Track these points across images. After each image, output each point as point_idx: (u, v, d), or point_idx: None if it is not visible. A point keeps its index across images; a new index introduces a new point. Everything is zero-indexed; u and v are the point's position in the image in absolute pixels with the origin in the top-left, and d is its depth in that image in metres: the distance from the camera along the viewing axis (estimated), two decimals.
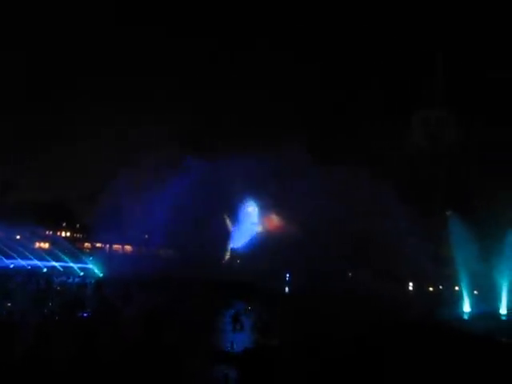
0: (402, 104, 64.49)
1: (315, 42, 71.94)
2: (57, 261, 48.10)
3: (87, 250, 55.19)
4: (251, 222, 59.00)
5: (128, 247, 58.96)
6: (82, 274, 45.79)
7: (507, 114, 56.70)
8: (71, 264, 48.30)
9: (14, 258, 46.96)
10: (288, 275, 48.24)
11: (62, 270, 46.51)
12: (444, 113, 62.86)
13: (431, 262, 42.13)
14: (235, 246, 57.53)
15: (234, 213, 57.60)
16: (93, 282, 38.23)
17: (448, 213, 49.99)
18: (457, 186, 51.09)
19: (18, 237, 52.68)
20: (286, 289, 45.23)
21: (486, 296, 36.74)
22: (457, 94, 60.69)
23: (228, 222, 58.04)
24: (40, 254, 49.35)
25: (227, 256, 54.88)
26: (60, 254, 48.92)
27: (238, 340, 12.02)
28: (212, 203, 51.84)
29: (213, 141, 55.05)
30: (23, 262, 46.76)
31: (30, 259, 47.61)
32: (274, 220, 58.30)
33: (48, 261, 48.01)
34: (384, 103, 62.45)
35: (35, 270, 44.16)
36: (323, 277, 40.69)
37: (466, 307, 35.89)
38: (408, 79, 65.86)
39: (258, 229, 58.82)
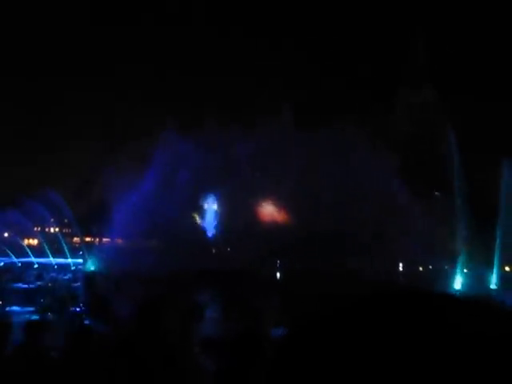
0: (384, 83, 64.65)
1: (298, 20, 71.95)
2: (47, 257, 48.10)
3: (77, 245, 55.03)
4: (236, 207, 58.77)
5: (118, 240, 58.86)
6: (73, 268, 45.81)
7: (493, 91, 57.04)
8: (62, 259, 48.31)
9: (3, 256, 46.86)
10: (279, 261, 48.42)
11: (52, 265, 46.48)
12: (428, 91, 63.06)
13: (422, 242, 42.39)
14: (223, 233, 57.55)
15: (218, 197, 57.41)
16: (84, 276, 38.23)
17: (436, 193, 50.34)
18: (443, 166, 51.36)
19: (6, 234, 52.51)
20: (278, 275, 45.47)
21: (478, 274, 37.19)
22: (441, 72, 60.91)
23: (214, 207, 57.92)
24: (30, 251, 49.29)
25: (217, 244, 54.83)
26: (50, 249, 48.90)
27: (231, 328, 12.15)
28: (197, 186, 51.45)
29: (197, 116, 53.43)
30: (14, 259, 46.68)
31: (20, 256, 47.54)
32: (265, 205, 58.23)
33: (38, 257, 47.98)
34: (366, 83, 62.53)
35: (26, 267, 44.08)
36: (314, 261, 40.87)
37: (457, 285, 36.33)
38: (389, 58, 65.93)
39: (247, 214, 58.70)
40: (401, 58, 65.21)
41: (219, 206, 58.30)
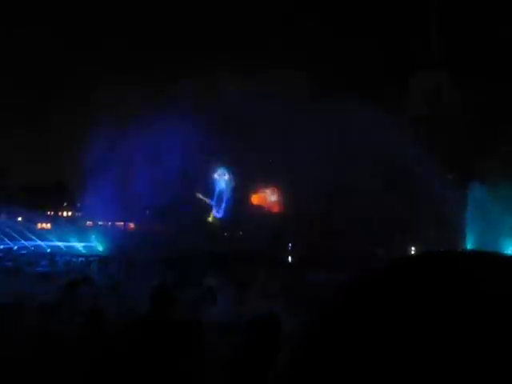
0: (397, 65, 63.98)
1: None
2: (60, 241, 48.39)
3: (89, 229, 55.32)
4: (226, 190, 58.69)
5: (130, 224, 59.18)
6: (85, 252, 46.09)
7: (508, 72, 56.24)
8: (74, 243, 48.60)
9: (17, 240, 47.18)
10: (290, 245, 48.47)
11: (65, 249, 46.78)
12: (442, 73, 62.32)
13: (433, 226, 42.18)
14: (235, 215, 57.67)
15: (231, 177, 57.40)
16: (97, 259, 38.41)
17: (450, 176, 49.93)
18: (457, 149, 50.91)
19: (19, 218, 52.88)
20: (289, 258, 45.52)
21: None
22: (455, 53, 60.17)
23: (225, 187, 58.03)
24: (43, 235, 49.60)
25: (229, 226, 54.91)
26: (62, 233, 49.19)
27: (244, 310, 12.13)
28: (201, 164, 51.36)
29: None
30: (26, 244, 46.99)
31: (33, 240, 47.85)
32: (271, 192, 58.21)
33: (51, 241, 48.29)
34: (378, 65, 61.91)
35: (39, 251, 44.38)
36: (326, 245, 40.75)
37: None
38: (402, 38, 65.17)
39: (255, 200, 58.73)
40: (415, 40, 64.46)
41: (231, 187, 58.43)
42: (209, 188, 58.00)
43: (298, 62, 54.71)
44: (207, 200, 58.13)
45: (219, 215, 58.10)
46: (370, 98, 46.65)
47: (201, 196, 57.46)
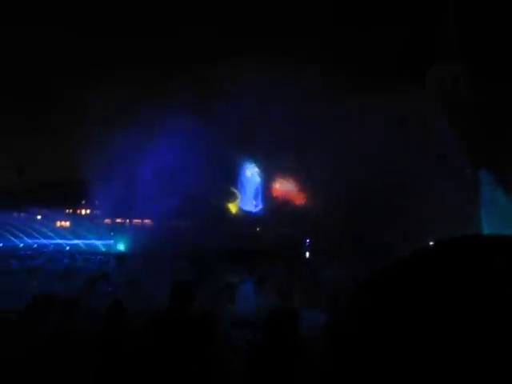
0: (414, 60, 63.52)
1: None
2: (79, 238, 48.79)
3: (108, 226, 55.67)
4: (258, 185, 58.77)
5: (148, 221, 59.39)
6: (104, 250, 46.43)
7: None
8: (93, 241, 48.96)
9: (36, 238, 47.66)
10: (308, 241, 48.35)
11: (84, 247, 47.18)
12: (459, 68, 61.81)
13: (453, 221, 41.87)
14: (250, 211, 57.77)
15: (237, 173, 57.41)
16: (115, 256, 38.69)
17: (468, 171, 49.53)
18: (475, 144, 50.49)
19: (39, 217, 53.39)
20: (307, 254, 45.42)
21: None
22: (472, 49, 59.63)
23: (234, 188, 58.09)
24: (62, 233, 50.04)
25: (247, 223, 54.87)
26: (81, 231, 49.58)
27: (262, 306, 12.19)
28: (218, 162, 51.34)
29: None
30: (46, 242, 47.43)
31: (53, 238, 48.28)
32: (288, 183, 58.07)
33: (70, 239, 48.70)
34: (395, 59, 61.54)
35: (58, 249, 44.79)
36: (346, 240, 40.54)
37: None
38: (420, 33, 64.74)
39: (271, 193, 58.70)
40: (432, 33, 63.98)
41: (259, 180, 58.59)
42: (236, 181, 58.15)
43: (314, 56, 54.51)
44: (236, 191, 58.34)
45: (247, 208, 58.32)
46: (385, 91, 46.42)
47: (232, 188, 57.65)
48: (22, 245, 45.94)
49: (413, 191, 43.70)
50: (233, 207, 58.51)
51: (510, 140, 49.69)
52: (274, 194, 58.50)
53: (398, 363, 1.10)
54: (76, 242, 48.33)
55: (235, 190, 58.58)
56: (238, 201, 59.04)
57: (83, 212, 68.45)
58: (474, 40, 61.44)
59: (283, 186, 58.55)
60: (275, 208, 54.68)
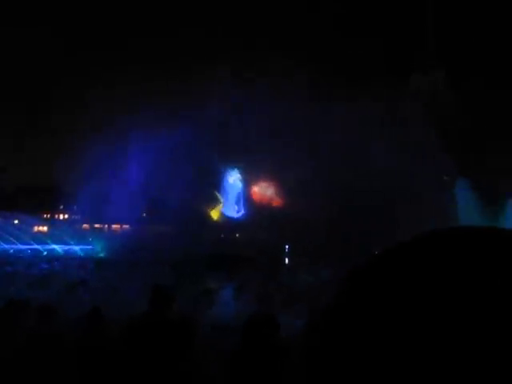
0: (396, 66, 64.12)
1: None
2: (56, 243, 48.28)
3: (86, 231, 55.22)
4: (240, 191, 58.87)
5: (126, 226, 59.01)
6: (82, 255, 45.99)
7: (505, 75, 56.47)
8: (71, 246, 48.48)
9: (13, 243, 47.07)
10: (287, 247, 48.40)
11: (62, 252, 46.69)
12: (440, 74, 62.50)
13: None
14: (232, 217, 57.78)
15: (219, 179, 57.39)
16: (94, 262, 38.36)
17: (446, 177, 50.10)
18: (454, 151, 51.09)
19: (16, 221, 52.76)
20: (286, 260, 45.48)
21: None
22: (452, 55, 60.35)
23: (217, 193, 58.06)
24: (39, 238, 49.48)
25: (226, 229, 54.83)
26: (59, 236, 49.07)
27: (240, 311, 12.17)
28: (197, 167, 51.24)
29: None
30: (22, 247, 46.87)
31: (30, 243, 47.73)
32: (267, 188, 58.19)
33: (48, 244, 48.17)
34: (377, 65, 62.02)
35: (35, 254, 44.27)
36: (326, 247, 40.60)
37: None
38: (401, 40, 65.36)
39: (250, 198, 58.77)
40: (412, 43, 64.76)
41: (240, 186, 58.59)
42: (219, 187, 58.12)
43: (299, 63, 54.79)
44: (219, 197, 58.30)
45: (229, 214, 58.28)
46: (368, 98, 46.87)
47: (215, 194, 57.59)
48: None
49: (394, 192, 44.17)
50: (215, 213, 58.45)
51: (489, 146, 50.42)
52: (255, 199, 58.59)
53: (397, 360, 1.06)
54: (54, 247, 47.83)
55: (218, 196, 58.56)
56: (221, 206, 59.00)
57: (61, 217, 67.78)
58: (454, 48, 62.23)
59: (263, 191, 58.69)
60: (255, 213, 54.75)
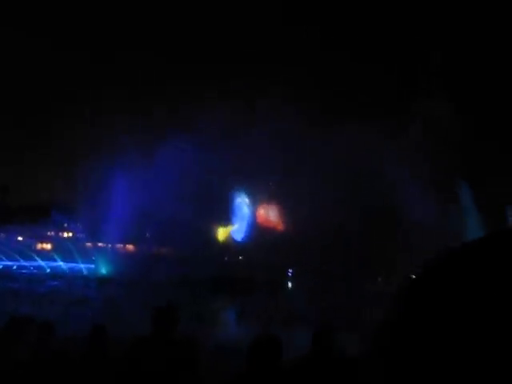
0: (398, 94, 64.48)
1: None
2: (60, 261, 48.26)
3: (89, 250, 55.19)
4: (245, 214, 58.82)
5: (130, 246, 58.97)
6: (85, 273, 45.94)
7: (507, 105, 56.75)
8: (74, 264, 48.45)
9: (16, 260, 47.05)
10: (291, 271, 48.27)
11: (65, 270, 46.64)
12: (443, 101, 62.74)
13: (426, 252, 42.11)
14: (238, 240, 57.70)
15: (226, 202, 57.29)
16: (96, 280, 38.29)
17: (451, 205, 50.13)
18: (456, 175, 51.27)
19: (20, 238, 52.80)
20: (289, 284, 45.36)
21: None
22: (456, 84, 60.68)
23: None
24: (43, 255, 49.48)
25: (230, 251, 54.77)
26: (62, 254, 49.06)
27: (244, 333, 12.12)
28: (203, 191, 51.18)
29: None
30: (26, 263, 46.86)
31: (33, 260, 47.72)
32: (272, 211, 58.17)
33: (51, 261, 48.16)
34: (380, 93, 62.38)
35: (39, 271, 44.25)
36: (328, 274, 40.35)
37: None
38: (405, 70, 65.80)
39: (255, 221, 58.69)
40: (416, 69, 65.06)
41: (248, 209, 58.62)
42: (228, 210, 58.06)
43: (298, 85, 55.17)
44: (228, 220, 58.29)
45: (237, 236, 58.29)
46: (370, 122, 47.10)
47: (224, 217, 57.52)
48: (1, 266, 45.33)
49: (397, 216, 44.18)
50: (222, 235, 58.41)
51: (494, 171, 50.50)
52: (260, 222, 58.53)
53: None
54: (57, 264, 47.82)
55: (227, 219, 58.54)
56: (229, 229, 58.98)
57: (65, 235, 67.76)
58: (459, 74, 62.58)
59: (268, 214, 58.68)
60: (260, 236, 54.68)
